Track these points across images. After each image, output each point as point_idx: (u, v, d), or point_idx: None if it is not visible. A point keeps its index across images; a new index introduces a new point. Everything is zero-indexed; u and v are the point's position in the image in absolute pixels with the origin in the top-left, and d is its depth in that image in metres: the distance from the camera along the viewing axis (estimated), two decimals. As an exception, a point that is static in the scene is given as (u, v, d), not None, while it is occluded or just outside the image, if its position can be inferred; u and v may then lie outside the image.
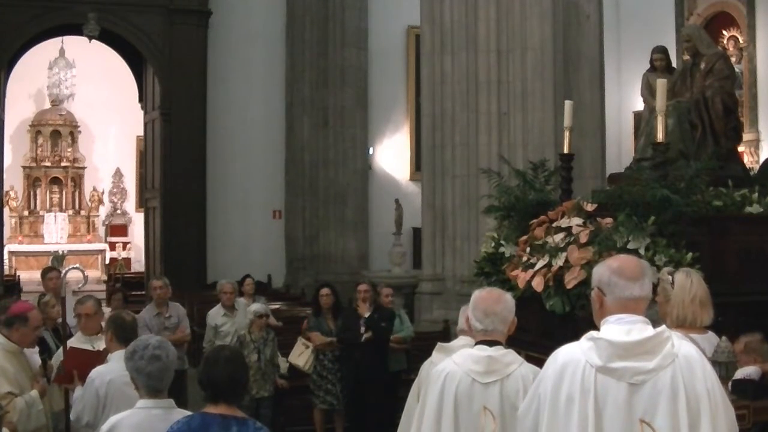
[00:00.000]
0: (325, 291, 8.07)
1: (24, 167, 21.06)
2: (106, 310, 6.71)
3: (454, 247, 9.64)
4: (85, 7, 14.11)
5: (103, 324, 5.63)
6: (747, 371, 4.19)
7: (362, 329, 7.62)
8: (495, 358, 3.50)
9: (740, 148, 8.07)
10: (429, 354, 4.41)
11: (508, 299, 3.66)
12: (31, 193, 21.24)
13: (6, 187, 17.95)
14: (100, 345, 5.19)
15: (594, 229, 5.65)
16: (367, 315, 7.67)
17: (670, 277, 4.27)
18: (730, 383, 4.15)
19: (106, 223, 21.73)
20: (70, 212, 21.30)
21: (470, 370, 3.49)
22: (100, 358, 4.82)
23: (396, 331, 7.84)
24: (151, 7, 14.70)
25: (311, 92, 15.04)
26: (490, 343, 3.54)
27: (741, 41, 12.81)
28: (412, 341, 8.14)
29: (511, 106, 9.32)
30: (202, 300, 11.14)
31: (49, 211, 21.10)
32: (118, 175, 21.95)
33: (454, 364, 3.53)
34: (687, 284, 4.17)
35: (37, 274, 18.58)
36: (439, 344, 4.30)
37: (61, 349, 5.36)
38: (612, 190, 6.22)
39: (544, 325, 5.71)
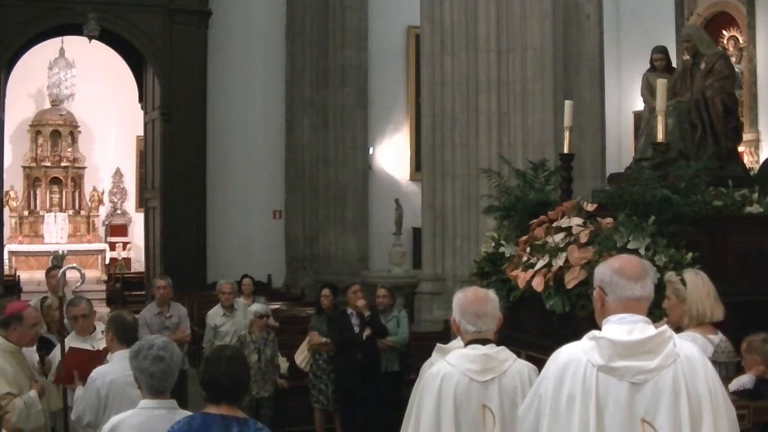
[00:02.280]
0: (324, 292, 8.09)
1: (24, 167, 21.06)
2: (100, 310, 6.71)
3: (454, 247, 9.64)
4: (85, 7, 14.11)
5: (97, 323, 5.65)
6: (741, 381, 4.22)
7: (357, 329, 7.60)
8: (490, 356, 3.50)
9: (740, 148, 8.05)
10: (429, 354, 4.40)
11: (493, 297, 3.66)
12: (31, 193, 21.23)
13: (6, 187, 17.94)
14: (100, 345, 5.19)
15: (594, 229, 5.64)
16: (367, 314, 7.65)
17: (678, 278, 4.37)
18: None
19: (106, 223, 21.73)
20: (70, 212, 21.29)
21: (467, 370, 3.47)
22: (100, 357, 4.82)
23: (391, 334, 7.81)
24: (151, 7, 14.71)
25: (311, 92, 15.03)
26: (483, 342, 3.54)
27: (741, 41, 12.81)
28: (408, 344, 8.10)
29: (511, 106, 9.32)
30: (202, 300, 11.13)
31: (49, 211, 21.09)
32: (118, 175, 21.95)
33: (449, 365, 3.50)
34: (699, 281, 4.39)
35: (37, 274, 18.69)
36: (438, 345, 4.29)
37: (59, 345, 5.35)
38: (612, 190, 6.21)
39: (544, 325, 5.71)
